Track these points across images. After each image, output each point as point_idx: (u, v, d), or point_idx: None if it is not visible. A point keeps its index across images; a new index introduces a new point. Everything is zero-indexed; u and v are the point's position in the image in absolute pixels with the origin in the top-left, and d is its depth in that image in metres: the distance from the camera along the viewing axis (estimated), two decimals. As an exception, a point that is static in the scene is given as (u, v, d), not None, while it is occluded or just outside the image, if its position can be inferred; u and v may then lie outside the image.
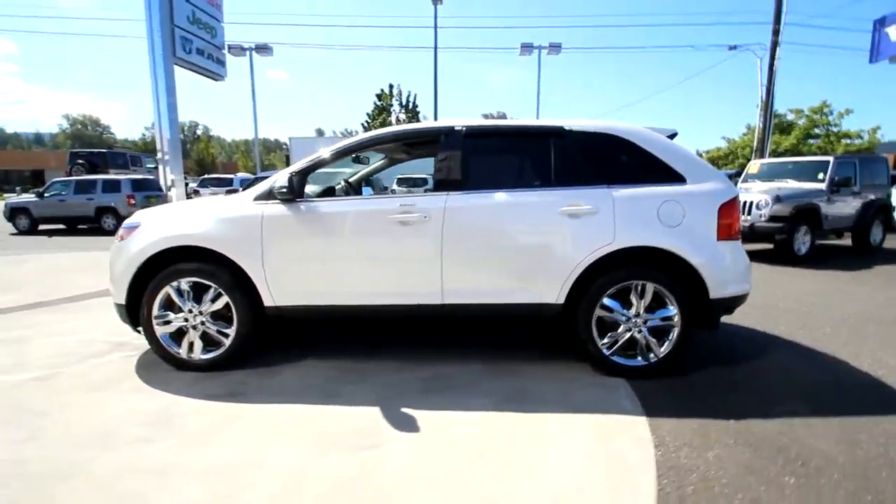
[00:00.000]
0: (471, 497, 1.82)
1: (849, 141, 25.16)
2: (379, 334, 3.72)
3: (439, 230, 2.84)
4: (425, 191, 15.18)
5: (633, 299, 2.85)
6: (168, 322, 2.93)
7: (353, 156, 3.44)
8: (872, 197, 8.16)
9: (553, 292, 2.86)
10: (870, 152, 21.90)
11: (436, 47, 20.24)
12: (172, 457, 2.06)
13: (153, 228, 2.97)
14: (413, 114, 30.66)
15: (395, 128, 3.30)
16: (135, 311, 2.97)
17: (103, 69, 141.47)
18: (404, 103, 30.85)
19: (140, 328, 3.00)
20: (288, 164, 24.48)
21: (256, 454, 2.09)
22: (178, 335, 2.96)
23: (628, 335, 2.88)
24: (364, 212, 2.98)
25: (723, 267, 2.86)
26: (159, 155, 11.61)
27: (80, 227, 13.02)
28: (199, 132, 73.40)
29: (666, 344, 2.87)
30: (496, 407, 2.54)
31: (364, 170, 4.16)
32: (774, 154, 21.03)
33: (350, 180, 4.14)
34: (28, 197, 13.69)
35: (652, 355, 2.88)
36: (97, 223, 12.52)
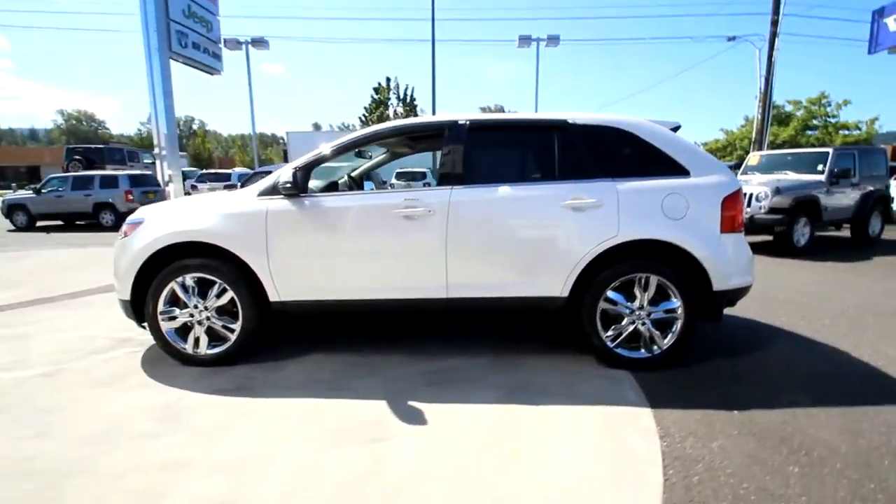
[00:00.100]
0: (480, 488, 1.84)
1: (847, 132, 25.19)
2: (384, 328, 3.73)
3: (444, 224, 2.85)
4: (424, 184, 15.21)
5: (637, 292, 2.87)
6: (173, 318, 2.94)
7: (356, 150, 3.44)
8: (871, 188, 8.17)
9: (557, 285, 2.87)
10: (868, 143, 21.94)
11: (433, 40, 20.10)
12: (182, 452, 2.08)
13: (157, 224, 2.96)
14: (411, 107, 30.52)
15: (398, 122, 3.29)
16: (140, 306, 2.97)
17: (98, 64, 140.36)
18: (402, 97, 30.70)
19: (145, 324, 3.00)
20: (286, 158, 24.39)
21: (267, 449, 2.11)
22: (184, 331, 2.97)
23: (632, 328, 2.90)
24: (368, 206, 2.98)
25: (726, 259, 2.87)
26: (156, 150, 11.55)
27: (77, 223, 12.99)
28: (194, 127, 72.92)
29: (669, 336, 2.89)
30: (502, 399, 2.56)
31: (366, 164, 4.15)
32: (773, 146, 21.03)
33: (353, 174, 4.13)
34: (25, 193, 13.62)
35: (655, 347, 2.90)
36: (95, 219, 12.48)
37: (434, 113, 20.57)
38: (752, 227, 7.08)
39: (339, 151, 3.11)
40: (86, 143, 28.48)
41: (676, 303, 2.85)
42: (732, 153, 27.54)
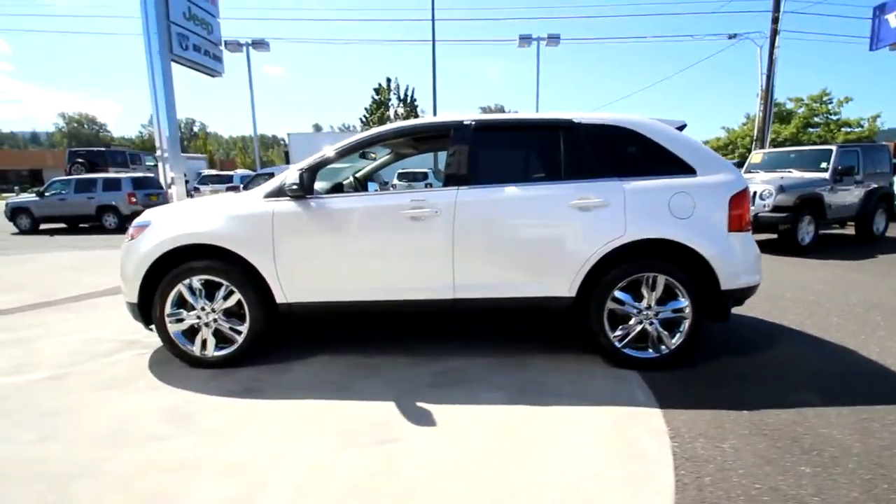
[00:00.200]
0: (491, 487, 1.84)
1: (849, 129, 25.10)
2: (391, 329, 3.73)
3: (450, 225, 2.84)
4: (426, 185, 15.19)
5: (645, 291, 2.86)
6: (181, 320, 2.94)
7: (361, 152, 3.43)
8: (875, 186, 8.15)
9: (565, 285, 2.87)
10: (870, 140, 21.87)
11: (433, 40, 20.10)
12: (191, 454, 2.07)
13: (164, 227, 2.96)
14: (411, 108, 30.54)
15: (403, 123, 3.28)
16: (147, 309, 2.97)
17: (99, 67, 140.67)
18: (402, 97, 30.71)
19: (152, 326, 3.01)
20: (287, 160, 24.40)
21: (276, 450, 2.10)
22: (191, 333, 2.97)
23: (640, 327, 2.89)
24: (374, 207, 2.98)
25: (734, 258, 2.86)
26: (158, 153, 11.58)
27: (81, 225, 13.01)
28: (195, 129, 73.07)
29: (677, 336, 2.88)
30: (510, 400, 2.55)
31: (370, 165, 4.15)
32: (774, 143, 20.99)
33: (357, 176, 4.12)
34: (28, 196, 13.65)
35: (663, 347, 2.89)
36: (98, 222, 12.52)
37: (435, 113, 20.57)
38: (757, 225, 7.06)
39: (345, 153, 3.10)
40: (87, 146, 28.61)
41: (684, 302, 2.84)
42: (734, 151, 27.46)
